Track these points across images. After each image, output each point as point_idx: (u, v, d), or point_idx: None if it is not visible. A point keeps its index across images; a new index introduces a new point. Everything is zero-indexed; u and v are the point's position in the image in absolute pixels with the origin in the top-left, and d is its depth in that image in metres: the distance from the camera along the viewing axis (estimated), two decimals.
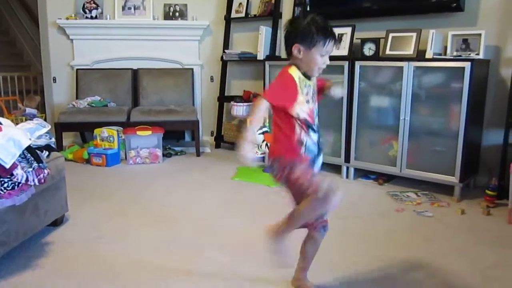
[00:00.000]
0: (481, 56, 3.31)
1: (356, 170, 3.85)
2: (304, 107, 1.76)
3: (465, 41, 3.42)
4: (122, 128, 4.46)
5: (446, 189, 3.40)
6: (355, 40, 3.93)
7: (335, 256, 2.29)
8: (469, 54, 3.34)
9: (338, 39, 1.83)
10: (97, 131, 4.42)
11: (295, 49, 1.73)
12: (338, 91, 1.93)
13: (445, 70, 3.31)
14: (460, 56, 3.35)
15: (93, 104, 4.77)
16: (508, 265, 2.29)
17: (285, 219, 1.87)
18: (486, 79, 3.47)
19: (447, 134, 3.34)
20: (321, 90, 1.91)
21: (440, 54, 3.54)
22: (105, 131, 4.39)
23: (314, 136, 1.79)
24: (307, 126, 1.77)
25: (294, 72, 1.74)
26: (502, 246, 2.53)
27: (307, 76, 1.78)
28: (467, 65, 3.11)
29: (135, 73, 5.11)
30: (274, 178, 1.87)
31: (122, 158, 4.49)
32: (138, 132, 4.33)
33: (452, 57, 3.35)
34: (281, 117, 1.78)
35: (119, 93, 5.04)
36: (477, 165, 3.61)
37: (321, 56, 1.73)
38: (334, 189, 1.68)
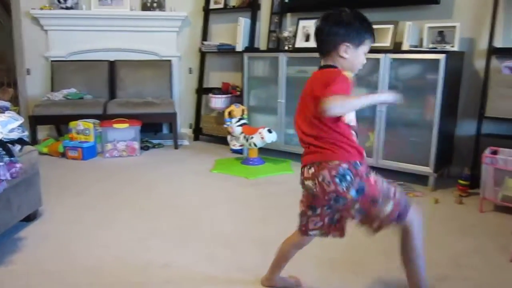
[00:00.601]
0: (456, 48, 3.37)
1: None
2: (352, 113, 1.63)
3: (440, 33, 3.47)
4: (98, 121, 4.40)
5: (421, 179, 3.46)
6: None
7: (315, 250, 2.30)
8: (445, 46, 3.39)
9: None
10: (72, 124, 4.34)
11: (342, 48, 1.58)
12: None
13: (421, 62, 3.35)
14: (435, 48, 3.40)
15: (68, 97, 4.68)
16: (479, 252, 2.35)
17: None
18: (461, 71, 3.53)
19: (422, 125, 3.39)
20: None
21: (416, 46, 3.58)
22: (81, 124, 4.32)
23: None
24: (356, 135, 1.63)
25: (348, 74, 1.58)
26: (474, 234, 2.59)
27: None
28: (442, 57, 3.16)
29: (112, 64, 5.03)
30: (336, 194, 1.55)
31: (98, 151, 4.43)
32: (115, 125, 4.28)
33: (427, 49, 3.40)
34: (332, 122, 1.55)
35: (96, 85, 4.96)
36: (451, 156, 3.68)
37: (364, 54, 1.64)
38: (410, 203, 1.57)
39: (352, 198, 1.56)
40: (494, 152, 3.00)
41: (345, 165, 1.55)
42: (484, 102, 3.23)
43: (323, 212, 1.68)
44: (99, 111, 4.53)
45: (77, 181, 3.57)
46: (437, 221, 2.78)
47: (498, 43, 3.33)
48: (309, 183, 1.62)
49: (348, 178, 1.54)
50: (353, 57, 1.61)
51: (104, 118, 4.43)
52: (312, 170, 1.60)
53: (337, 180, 1.54)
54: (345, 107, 1.45)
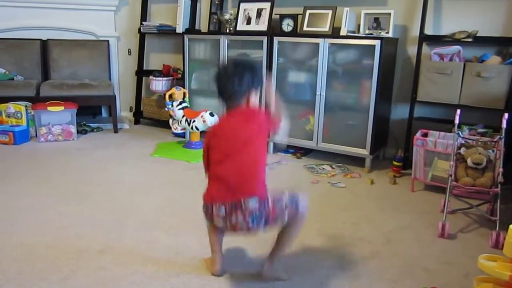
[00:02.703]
0: (390, 35, 3.50)
1: (275, 144, 3.94)
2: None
3: (376, 19, 3.58)
4: (31, 104, 4.18)
5: (358, 161, 3.60)
6: (274, 16, 3.96)
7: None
8: (380, 32, 3.51)
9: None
10: (2, 106, 4.09)
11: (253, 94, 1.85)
12: None
13: (358, 48, 3.45)
14: (371, 34, 3.51)
15: None
16: (407, 227, 2.50)
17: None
18: (395, 57, 3.68)
19: (359, 109, 3.51)
20: None
21: (354, 32, 3.68)
22: (11, 107, 4.08)
23: None
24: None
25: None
26: (404, 211, 2.74)
27: None
28: (377, 43, 3.27)
29: (44, 44, 4.75)
30: (264, 224, 1.75)
31: (32, 135, 4.22)
32: (49, 108, 4.08)
33: (364, 35, 3.50)
34: (263, 146, 1.84)
35: (27, 66, 4.67)
36: (386, 138, 3.85)
37: None
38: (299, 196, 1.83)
39: (263, 223, 1.81)
40: (425, 135, 3.17)
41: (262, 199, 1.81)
42: (416, 87, 3.39)
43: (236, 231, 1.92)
44: (32, 93, 4.29)
45: (8, 167, 3.38)
46: (372, 201, 2.91)
47: (428, 31, 3.50)
48: None
49: (265, 207, 1.78)
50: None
51: (37, 100, 4.20)
52: None
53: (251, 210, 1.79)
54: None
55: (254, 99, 1.85)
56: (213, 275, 1.94)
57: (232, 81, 1.80)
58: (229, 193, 1.74)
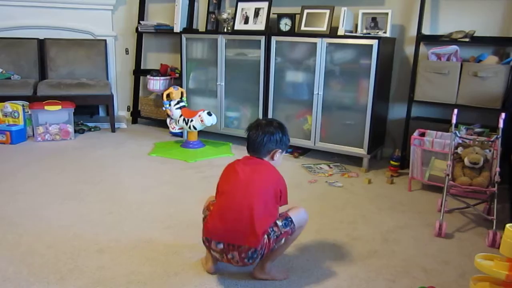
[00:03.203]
0: (387, 35, 3.50)
1: None
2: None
3: (374, 19, 3.59)
4: (28, 103, 4.17)
5: (356, 160, 3.61)
6: (271, 15, 3.96)
7: None
8: (377, 32, 3.51)
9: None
10: None
11: (277, 154, 1.93)
12: None
13: (355, 47, 3.46)
14: (369, 34, 3.51)
15: None
16: (404, 227, 2.51)
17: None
18: (392, 57, 3.69)
19: (356, 109, 3.51)
20: None
21: (351, 32, 3.68)
22: (8, 106, 4.07)
23: None
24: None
25: None
26: (402, 211, 2.75)
27: None
28: (374, 42, 3.28)
29: (41, 43, 4.74)
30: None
31: (29, 134, 4.21)
32: (46, 107, 4.07)
33: (361, 35, 3.51)
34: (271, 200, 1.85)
35: (24, 65, 4.65)
36: (383, 138, 3.85)
37: None
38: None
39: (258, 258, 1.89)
40: (422, 134, 3.18)
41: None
42: (413, 87, 3.40)
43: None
44: (29, 92, 4.28)
45: (5, 166, 3.37)
46: (369, 200, 2.92)
47: (426, 31, 3.51)
48: None
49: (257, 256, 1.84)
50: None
51: (34, 99, 4.19)
52: None
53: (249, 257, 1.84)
54: None
55: (277, 159, 1.94)
56: (208, 273, 1.95)
57: (262, 136, 1.90)
58: (227, 234, 1.79)
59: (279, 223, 1.83)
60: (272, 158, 1.94)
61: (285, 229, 1.83)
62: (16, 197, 2.78)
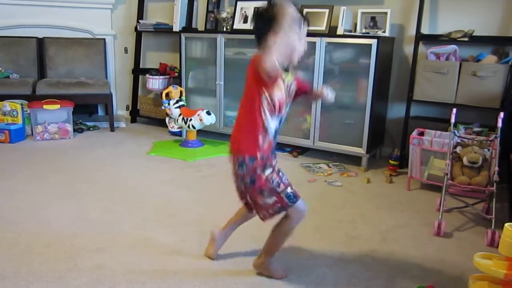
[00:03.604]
0: (387, 34, 3.50)
1: None
2: (279, 92, 1.75)
3: (373, 19, 3.59)
4: (27, 102, 4.16)
5: (355, 159, 3.61)
6: None
7: (254, 228, 2.34)
8: (376, 31, 3.51)
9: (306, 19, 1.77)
10: None
11: (270, 36, 1.57)
12: (332, 95, 1.97)
13: (355, 47, 3.46)
14: (368, 33, 3.51)
15: None
16: (403, 226, 2.51)
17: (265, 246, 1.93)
18: (391, 56, 3.69)
19: (355, 108, 3.51)
20: (302, 93, 1.96)
21: (350, 31, 3.68)
22: (7, 105, 4.06)
23: (275, 125, 1.81)
24: (274, 112, 1.76)
25: None
26: (400, 210, 2.75)
27: (284, 69, 1.76)
28: (373, 42, 3.28)
29: (40, 42, 4.74)
30: (241, 177, 1.80)
31: (28, 133, 4.21)
32: (45, 106, 4.07)
33: (360, 34, 3.51)
34: (254, 98, 1.72)
35: (23, 64, 4.65)
36: (382, 137, 3.86)
37: (299, 40, 1.71)
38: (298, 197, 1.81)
39: (247, 183, 1.79)
40: (421, 134, 3.18)
41: (246, 157, 1.76)
42: (412, 86, 3.41)
43: (237, 188, 1.91)
44: (28, 91, 4.27)
45: (3, 165, 3.36)
46: (368, 199, 2.92)
47: (425, 30, 3.51)
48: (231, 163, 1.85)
49: (244, 167, 1.77)
50: (284, 44, 1.60)
51: (33, 98, 4.19)
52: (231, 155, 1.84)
53: (237, 166, 1.80)
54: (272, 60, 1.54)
55: (270, 44, 1.57)
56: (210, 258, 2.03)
57: (253, 24, 1.73)
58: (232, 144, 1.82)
59: (283, 177, 1.81)
60: (266, 44, 1.58)
61: (284, 190, 1.78)
62: (15, 196, 2.77)
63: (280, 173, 1.83)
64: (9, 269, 1.94)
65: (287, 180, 1.84)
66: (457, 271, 2.05)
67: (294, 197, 1.80)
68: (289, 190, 1.80)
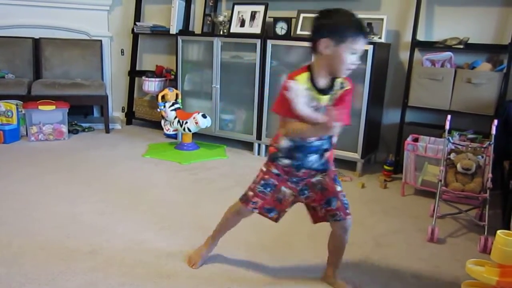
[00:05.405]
0: (383, 40, 3.52)
1: (267, 147, 3.94)
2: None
3: (369, 25, 3.60)
4: (22, 102, 4.15)
5: (350, 164, 3.62)
6: (267, 19, 3.97)
7: (250, 235, 2.34)
8: (372, 37, 3.53)
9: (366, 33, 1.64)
10: None
11: (322, 44, 1.53)
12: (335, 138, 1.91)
13: None
14: None
15: None
16: (397, 231, 2.52)
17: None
18: (387, 62, 3.71)
19: (351, 113, 3.51)
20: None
21: None
22: (2, 105, 4.05)
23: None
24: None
25: (302, 80, 1.61)
26: (394, 215, 2.76)
27: (320, 90, 1.65)
28: (369, 48, 3.29)
29: (36, 42, 4.72)
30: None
31: (22, 134, 4.19)
32: (40, 107, 4.05)
33: None
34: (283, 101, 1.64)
35: (18, 64, 4.63)
36: (377, 142, 3.87)
37: (350, 54, 1.57)
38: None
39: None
40: (416, 140, 3.20)
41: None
42: (407, 92, 3.42)
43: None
44: (23, 92, 4.26)
45: None
46: (363, 204, 2.93)
47: (420, 37, 3.53)
48: None
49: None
50: (334, 55, 1.55)
51: (28, 99, 4.17)
52: None
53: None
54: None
55: (321, 50, 1.56)
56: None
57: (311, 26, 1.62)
58: None
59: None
60: (316, 51, 1.58)
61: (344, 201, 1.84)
62: (8, 197, 2.76)
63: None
64: (1, 270, 1.93)
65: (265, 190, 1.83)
66: (450, 277, 2.05)
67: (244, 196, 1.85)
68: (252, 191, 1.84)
